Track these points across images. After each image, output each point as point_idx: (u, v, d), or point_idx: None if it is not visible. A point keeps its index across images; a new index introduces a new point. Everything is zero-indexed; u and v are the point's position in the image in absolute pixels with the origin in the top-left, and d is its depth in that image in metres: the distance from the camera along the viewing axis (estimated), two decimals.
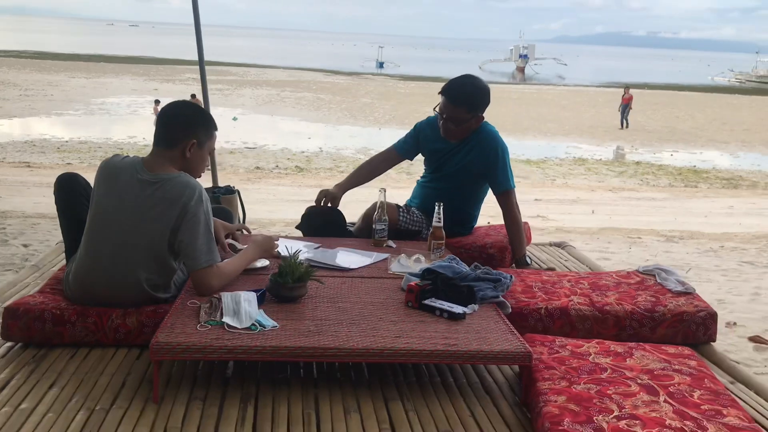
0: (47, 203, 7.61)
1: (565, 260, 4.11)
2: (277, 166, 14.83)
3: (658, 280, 3.08)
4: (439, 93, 3.57)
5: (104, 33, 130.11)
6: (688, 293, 2.94)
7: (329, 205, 3.61)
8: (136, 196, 2.49)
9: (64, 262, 3.07)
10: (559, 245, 4.32)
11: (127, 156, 2.67)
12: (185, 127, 2.57)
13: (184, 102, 2.79)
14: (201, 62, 5.72)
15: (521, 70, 66.97)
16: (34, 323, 2.46)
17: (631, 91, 25.38)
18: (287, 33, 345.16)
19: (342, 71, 49.28)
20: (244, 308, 2.26)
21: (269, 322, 2.26)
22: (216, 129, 2.69)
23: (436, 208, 3.15)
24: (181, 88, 28.87)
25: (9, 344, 2.51)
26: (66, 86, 30.01)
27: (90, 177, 2.80)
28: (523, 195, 10.40)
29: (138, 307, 2.52)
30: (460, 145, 3.58)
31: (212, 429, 1.98)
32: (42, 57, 48.46)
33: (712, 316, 2.80)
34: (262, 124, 22.01)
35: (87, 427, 1.95)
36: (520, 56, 70.03)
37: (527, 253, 3.68)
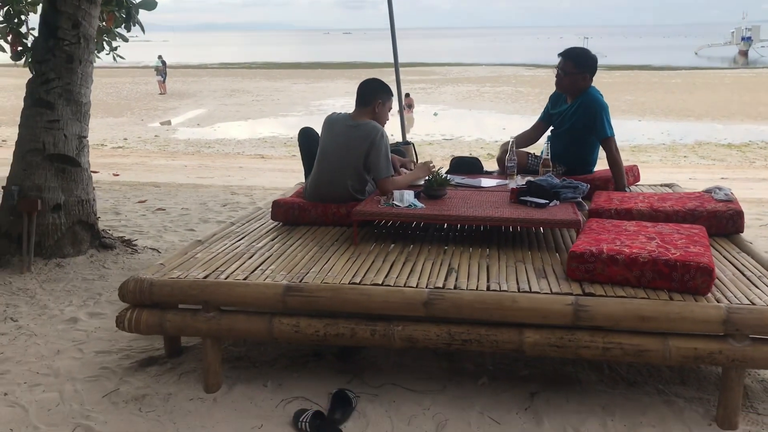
0: (279, 181, 9.88)
1: None
2: (470, 154, 16.37)
3: (712, 194, 4.17)
4: (558, 54, 4.88)
5: (321, 42, 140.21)
6: (729, 200, 4.02)
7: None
8: (345, 135, 4.15)
9: (299, 187, 4.86)
10: (669, 185, 5.37)
11: (341, 113, 4.34)
12: (374, 93, 4.19)
13: (373, 78, 4.40)
14: (396, 61, 7.37)
15: (744, 53, 62.59)
16: (289, 210, 4.23)
17: None
18: (492, 30, 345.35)
19: (544, 65, 49.68)
20: (405, 197, 3.82)
21: (419, 204, 3.81)
22: (392, 95, 4.28)
23: (545, 144, 4.49)
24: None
25: (275, 222, 4.29)
26: (289, 91, 33.87)
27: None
28: (713, 174, 10.89)
29: (346, 203, 4.16)
30: (570, 106, 4.85)
31: (383, 256, 3.54)
32: (268, 67, 54.32)
33: (739, 213, 3.88)
34: (460, 117, 23.60)
35: (314, 258, 3.57)
36: (743, 39, 65.37)
37: (628, 187, 4.85)
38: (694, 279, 2.95)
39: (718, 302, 2.90)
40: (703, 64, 52.31)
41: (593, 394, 3.24)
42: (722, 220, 3.89)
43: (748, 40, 64.54)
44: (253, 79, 41.50)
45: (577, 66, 4.80)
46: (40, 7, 6.89)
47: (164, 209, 7.56)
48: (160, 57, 31.82)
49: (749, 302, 2.91)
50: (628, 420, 3.03)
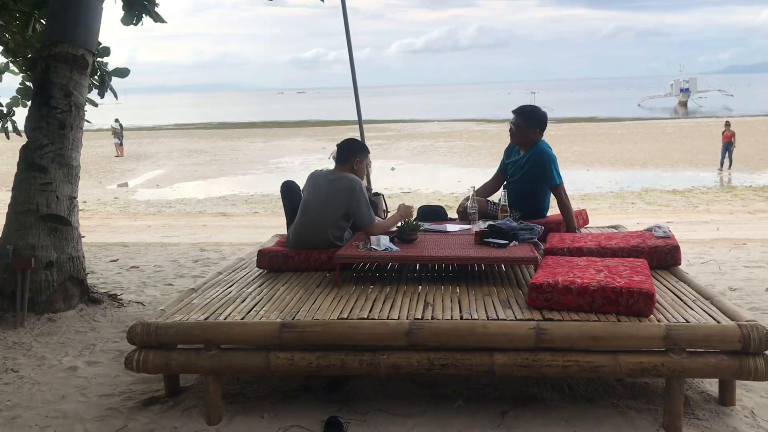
0: (246, 237, 10.23)
1: None
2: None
3: (652, 232, 4.70)
4: (511, 111, 5.44)
5: (276, 101, 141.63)
6: (667, 237, 4.55)
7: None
8: (326, 188, 4.60)
9: (276, 239, 5.27)
10: (615, 227, 5.90)
11: (323, 170, 4.79)
12: (352, 151, 4.69)
13: (350, 138, 4.90)
14: (359, 119, 7.88)
15: (683, 104, 65.54)
16: (274, 258, 4.61)
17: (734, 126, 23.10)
18: (443, 87, 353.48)
19: (494, 119, 51.31)
20: (381, 241, 4.25)
21: (395, 248, 4.24)
22: (368, 152, 4.75)
23: (503, 192, 5.00)
24: None
25: (260, 270, 4.66)
26: (247, 150, 34.30)
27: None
28: (659, 219, 11.48)
29: (326, 249, 4.57)
30: (522, 157, 5.38)
31: (364, 295, 3.94)
32: (225, 127, 54.86)
33: (677, 248, 4.41)
34: (417, 171, 24.32)
35: (302, 299, 3.95)
36: (681, 90, 68.49)
37: (579, 229, 5.37)
38: (638, 303, 3.42)
39: (658, 322, 3.37)
40: (646, 115, 54.66)
41: (557, 410, 3.65)
42: (662, 255, 4.40)
43: (686, 91, 67.66)
44: (210, 139, 41.90)
45: (526, 122, 5.36)
46: (5, 76, 7.28)
47: (138, 267, 7.82)
48: (117, 120, 32.02)
49: (685, 320, 3.39)
50: (588, 430, 3.44)
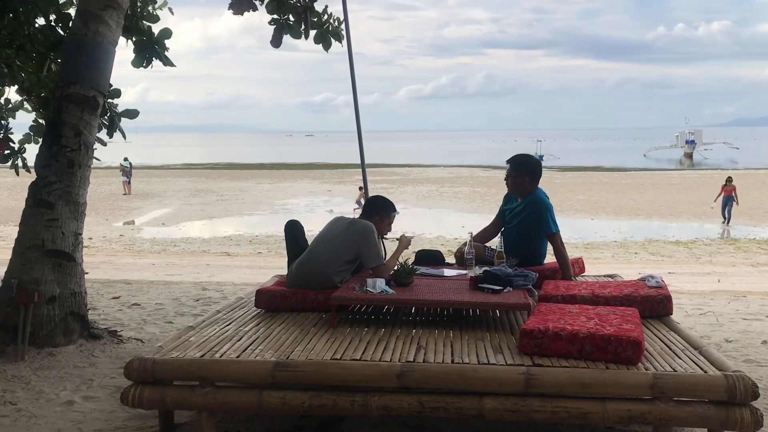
0: (248, 278, 10.32)
1: None
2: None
3: (645, 282, 4.76)
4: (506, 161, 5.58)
5: (284, 144, 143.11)
6: (660, 287, 4.61)
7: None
8: (340, 230, 4.80)
9: (276, 279, 5.36)
10: (611, 276, 5.97)
11: (348, 216, 5.01)
12: (375, 209, 4.98)
13: (378, 196, 5.13)
14: (362, 163, 8.00)
15: (689, 155, 65.99)
16: (272, 298, 4.69)
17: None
18: (449, 133, 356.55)
19: (499, 166, 51.65)
20: (377, 284, 4.33)
21: (390, 290, 4.32)
22: (394, 211, 5.00)
23: (499, 239, 5.09)
24: (351, 189, 32.36)
25: (258, 309, 4.73)
26: (254, 191, 34.58)
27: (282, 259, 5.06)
28: (661, 269, 11.52)
29: (325, 290, 4.64)
30: (519, 204, 5.49)
31: (359, 336, 4.00)
32: (233, 167, 55.36)
33: (668, 298, 4.48)
34: (421, 216, 24.47)
35: (297, 339, 4.02)
36: (687, 142, 69.04)
37: (574, 277, 5.44)
38: (626, 351, 3.48)
39: (646, 370, 3.42)
40: (651, 166, 54.98)
41: None
42: (654, 304, 4.47)
43: (692, 143, 68.18)
44: (218, 179, 42.25)
45: (516, 170, 5.52)
46: (19, 113, 7.50)
47: (139, 304, 7.89)
48: (126, 158, 32.41)
49: (672, 369, 3.44)
50: None
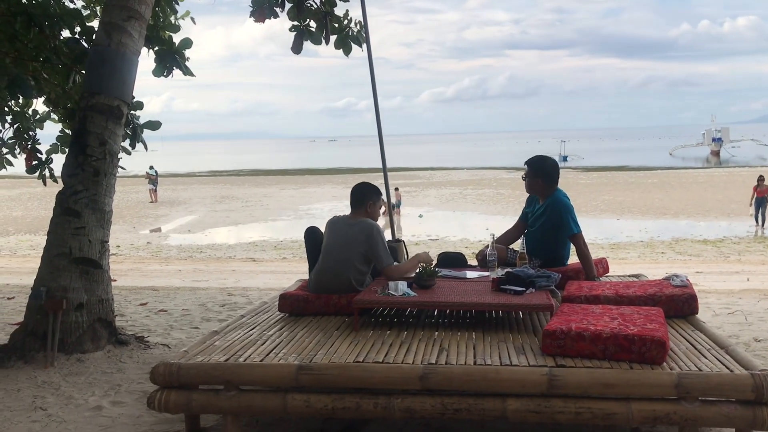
0: (273, 283, 10.39)
1: None
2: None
3: (670, 281, 4.72)
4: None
5: (307, 149, 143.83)
6: (684, 286, 4.57)
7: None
8: (344, 233, 4.75)
9: (299, 283, 5.40)
10: (636, 276, 5.92)
11: (340, 215, 4.93)
12: (365, 194, 4.87)
13: (363, 182, 5.07)
14: (384, 167, 8.02)
15: (716, 153, 65.19)
16: (295, 302, 4.73)
17: None
18: (473, 136, 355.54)
19: (523, 168, 51.38)
20: (399, 286, 4.35)
21: (412, 293, 4.33)
22: (381, 194, 4.94)
23: (522, 240, 5.08)
24: None
25: (281, 314, 4.77)
26: (278, 197, 34.81)
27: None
28: (689, 269, 11.42)
29: (346, 294, 4.67)
30: (540, 206, 5.48)
31: (381, 339, 4.02)
32: (257, 174, 55.78)
33: (693, 297, 4.43)
34: (445, 219, 24.48)
35: (320, 342, 4.04)
36: (714, 140, 68.20)
37: (598, 277, 5.40)
38: (650, 351, 3.45)
39: (671, 370, 3.39)
40: (677, 164, 54.36)
41: None
42: (679, 303, 4.43)
43: (718, 141, 67.32)
44: (242, 185, 42.58)
45: (531, 172, 5.56)
46: (46, 124, 7.65)
47: (166, 310, 7.99)
48: (152, 167, 32.80)
49: (697, 369, 3.40)
50: None
